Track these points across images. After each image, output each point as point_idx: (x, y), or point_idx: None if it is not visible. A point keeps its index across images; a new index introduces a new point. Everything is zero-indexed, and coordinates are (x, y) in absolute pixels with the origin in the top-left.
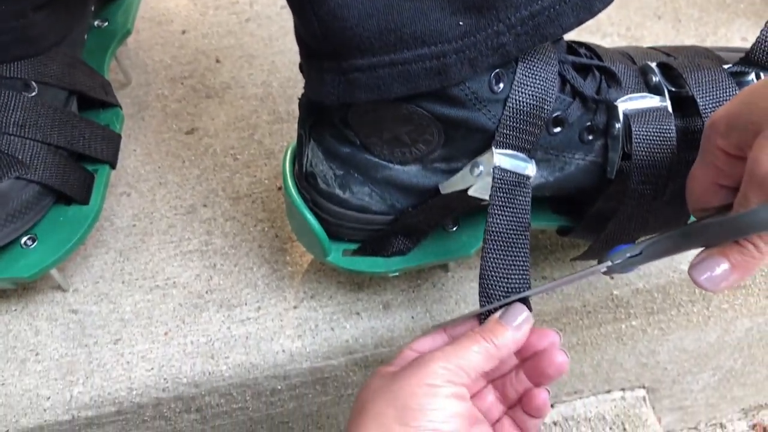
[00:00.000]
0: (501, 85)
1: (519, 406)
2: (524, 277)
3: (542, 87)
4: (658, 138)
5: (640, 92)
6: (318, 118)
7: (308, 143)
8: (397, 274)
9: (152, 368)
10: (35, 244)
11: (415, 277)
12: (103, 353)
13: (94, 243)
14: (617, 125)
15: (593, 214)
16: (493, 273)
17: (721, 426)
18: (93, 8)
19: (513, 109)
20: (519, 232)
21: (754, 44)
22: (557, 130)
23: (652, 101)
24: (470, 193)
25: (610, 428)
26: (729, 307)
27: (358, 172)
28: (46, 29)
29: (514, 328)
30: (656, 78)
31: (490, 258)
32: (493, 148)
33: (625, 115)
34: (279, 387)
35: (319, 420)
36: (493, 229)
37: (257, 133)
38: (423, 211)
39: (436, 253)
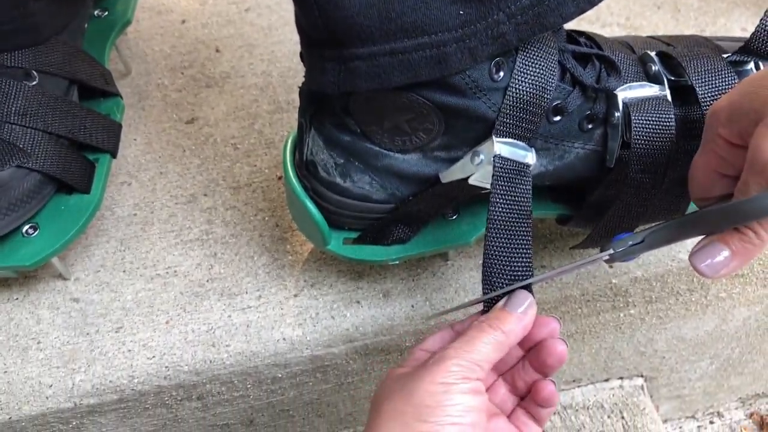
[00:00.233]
0: (501, 74)
1: (529, 396)
2: (527, 264)
3: (542, 76)
4: (657, 127)
5: (639, 81)
6: (319, 106)
7: (309, 132)
8: (397, 262)
9: (153, 356)
10: (37, 232)
11: (415, 265)
12: (105, 341)
13: (95, 232)
14: (617, 114)
15: (592, 202)
16: (495, 261)
17: (719, 414)
18: None
19: (513, 97)
20: (521, 220)
21: (753, 33)
22: (557, 118)
23: (651, 90)
24: (471, 181)
25: (608, 416)
26: (727, 296)
27: (358, 161)
28: (47, 18)
29: (519, 314)
30: (656, 67)
31: (492, 246)
32: (494, 136)
33: (625, 104)
34: (280, 375)
35: (320, 408)
36: (495, 217)
37: (257, 122)
38: (423, 199)
39: (436, 241)
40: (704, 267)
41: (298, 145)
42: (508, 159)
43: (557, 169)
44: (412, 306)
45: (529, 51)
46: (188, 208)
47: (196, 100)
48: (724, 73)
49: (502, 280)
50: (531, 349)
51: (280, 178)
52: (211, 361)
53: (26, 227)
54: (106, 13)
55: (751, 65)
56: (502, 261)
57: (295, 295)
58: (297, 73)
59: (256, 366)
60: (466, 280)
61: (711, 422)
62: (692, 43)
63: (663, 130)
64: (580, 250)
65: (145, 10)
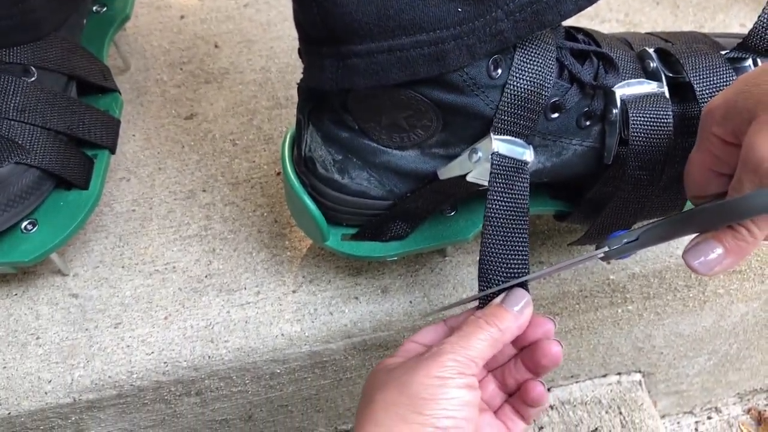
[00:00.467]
0: (499, 71)
1: (518, 394)
2: (524, 261)
3: (540, 73)
4: (655, 124)
5: (637, 78)
6: (317, 103)
7: (307, 128)
8: (395, 258)
9: (152, 352)
10: (35, 228)
11: (413, 262)
12: (104, 337)
13: (93, 228)
14: (614, 111)
15: (590, 199)
16: (492, 258)
17: (716, 410)
18: None
19: (511, 95)
20: (518, 218)
21: (751, 30)
22: (555, 115)
23: (649, 87)
24: (469, 178)
25: (606, 412)
26: (725, 292)
27: (356, 157)
28: (46, 14)
29: (516, 313)
30: (654, 64)
31: (489, 243)
32: (492, 134)
33: (623, 101)
34: (278, 371)
35: (318, 403)
36: (493, 214)
37: (256, 118)
38: (421, 196)
39: (434, 237)
40: (697, 264)
41: (297, 141)
42: (506, 156)
43: (555, 165)
44: (410, 302)
45: (527, 48)
46: (187, 204)
47: (194, 96)
48: (722, 70)
49: (499, 277)
50: (524, 349)
51: (278, 174)
52: (209, 357)
53: (25, 223)
54: (105, 8)
55: (749, 62)
56: (498, 258)
57: (294, 291)
58: (296, 69)
59: (255, 362)
60: (464, 276)
61: (709, 418)
62: (690, 40)
63: (661, 127)
64: (577, 246)
65: (143, 6)
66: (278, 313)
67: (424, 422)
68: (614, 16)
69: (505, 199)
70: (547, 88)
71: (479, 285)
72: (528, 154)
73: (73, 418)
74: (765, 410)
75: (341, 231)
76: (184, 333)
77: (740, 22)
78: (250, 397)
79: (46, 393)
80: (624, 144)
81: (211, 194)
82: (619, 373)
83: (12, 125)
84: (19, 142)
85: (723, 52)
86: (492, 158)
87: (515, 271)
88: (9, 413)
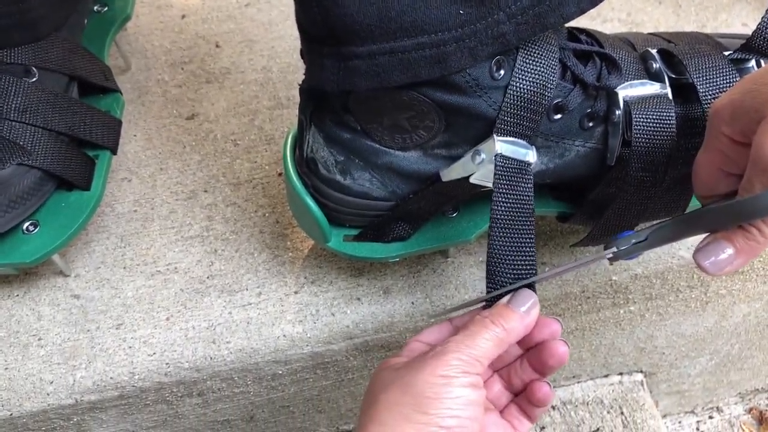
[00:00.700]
0: (502, 72)
1: (524, 394)
2: (531, 262)
3: (543, 74)
4: (658, 125)
5: (640, 79)
6: (319, 104)
7: (309, 129)
8: (397, 260)
9: (154, 353)
10: (37, 230)
11: (415, 262)
12: (106, 338)
13: (95, 228)
14: (617, 112)
15: (593, 200)
16: (500, 260)
17: (718, 410)
18: None
19: (514, 96)
20: (524, 219)
21: (754, 31)
22: (557, 116)
23: (652, 88)
24: (472, 180)
25: (608, 412)
26: (727, 293)
27: (358, 158)
28: (46, 14)
29: (522, 313)
30: (657, 65)
31: (496, 245)
32: (495, 135)
33: (626, 102)
34: (280, 371)
35: (320, 404)
36: (498, 216)
37: (257, 118)
38: (423, 197)
39: (436, 238)
40: (708, 264)
41: (299, 142)
42: (510, 158)
43: (558, 167)
44: (412, 303)
45: (530, 49)
46: (188, 205)
47: (196, 96)
48: (726, 71)
49: (506, 279)
50: (530, 349)
51: (280, 174)
52: (211, 358)
53: (26, 224)
54: (106, 8)
55: (752, 63)
56: (505, 259)
57: (296, 292)
58: (297, 69)
59: (257, 363)
60: (466, 276)
61: (710, 417)
62: (693, 41)
63: (664, 128)
64: (580, 248)
65: (144, 5)
66: (280, 314)
67: (429, 422)
68: (616, 15)
69: (510, 200)
70: (550, 89)
71: (487, 286)
72: (531, 155)
73: (75, 419)
74: (766, 410)
75: (343, 232)
76: (186, 334)
77: (742, 22)
78: (252, 398)
79: (48, 394)
80: (627, 145)
81: (213, 195)
82: (620, 374)
83: (13, 126)
84: (21, 143)
85: (726, 53)
86: (495, 160)
87: (523, 272)
88: (11, 414)
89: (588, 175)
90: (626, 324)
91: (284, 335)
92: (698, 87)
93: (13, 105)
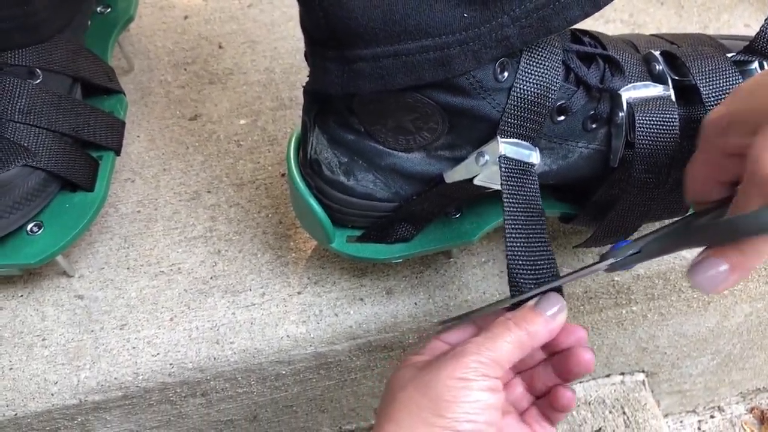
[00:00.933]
0: (505, 74)
1: (546, 398)
2: (550, 261)
3: (547, 76)
4: (661, 127)
5: (643, 81)
6: (323, 105)
7: (313, 130)
8: (400, 260)
9: (158, 353)
10: (41, 231)
11: (418, 263)
12: (110, 338)
13: (99, 229)
14: (621, 114)
15: (596, 201)
16: (519, 262)
17: (719, 409)
18: None
19: (517, 98)
20: (535, 219)
21: (758, 33)
22: (561, 118)
23: (655, 90)
24: (476, 182)
25: (610, 412)
26: (729, 293)
27: (362, 160)
28: (50, 16)
29: (548, 317)
30: (660, 66)
31: (515, 248)
32: (498, 137)
33: (629, 104)
34: (283, 372)
35: (323, 403)
36: (512, 218)
37: (260, 119)
38: (427, 198)
39: (439, 239)
40: (703, 281)
41: (302, 143)
42: (514, 159)
43: (561, 168)
44: (415, 303)
45: (534, 51)
46: (192, 205)
47: (199, 97)
48: (729, 73)
49: (528, 280)
50: (555, 354)
51: (283, 175)
52: (215, 358)
53: (30, 225)
54: (109, 9)
55: (755, 65)
56: (525, 262)
57: (299, 293)
58: (300, 70)
59: (260, 363)
60: (469, 277)
61: (712, 417)
62: (696, 42)
63: (667, 130)
64: (583, 249)
65: (147, 6)
66: (283, 314)
67: (445, 425)
68: (618, 16)
69: (520, 202)
70: (554, 91)
71: (510, 291)
72: (534, 157)
73: (79, 419)
74: None
75: (346, 233)
76: (190, 334)
77: (745, 23)
78: (256, 398)
79: (52, 394)
80: (630, 147)
81: (216, 195)
82: (622, 373)
83: (17, 128)
84: (25, 144)
85: (729, 55)
86: (500, 161)
87: (544, 271)
88: (15, 414)
89: (591, 176)
90: (628, 324)
91: (287, 336)
92: (701, 89)
93: (18, 107)
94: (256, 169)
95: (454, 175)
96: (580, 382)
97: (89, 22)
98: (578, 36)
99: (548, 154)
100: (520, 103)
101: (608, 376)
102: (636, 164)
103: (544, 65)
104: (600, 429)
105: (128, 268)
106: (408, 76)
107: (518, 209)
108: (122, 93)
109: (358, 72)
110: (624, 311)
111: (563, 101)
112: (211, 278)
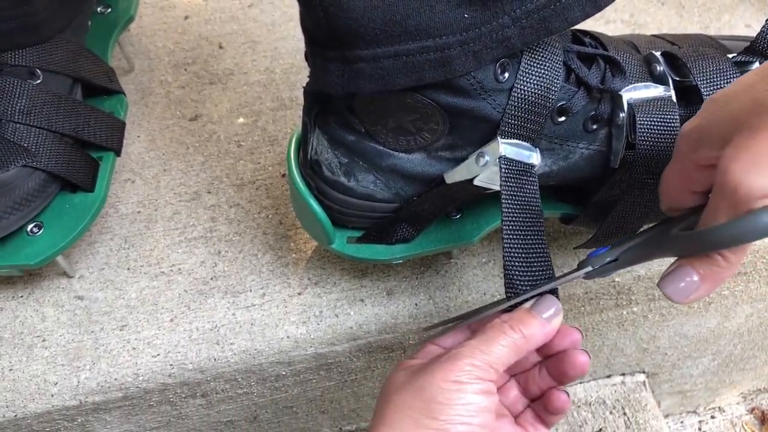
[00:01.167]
0: (506, 75)
1: (541, 401)
2: (546, 264)
3: (547, 76)
4: (662, 128)
5: (644, 82)
6: (323, 106)
7: (313, 131)
8: (400, 261)
9: (158, 354)
10: (41, 231)
11: (418, 264)
12: (110, 339)
13: (99, 229)
14: (621, 115)
15: (596, 202)
16: (516, 263)
17: (720, 409)
18: None
19: (518, 98)
20: (533, 220)
21: (758, 34)
22: (562, 119)
23: (656, 91)
24: (476, 182)
25: (611, 412)
26: (729, 294)
27: (363, 160)
28: (50, 16)
29: (544, 320)
30: (660, 67)
31: (511, 249)
32: (498, 137)
33: (630, 105)
34: (283, 372)
35: (323, 404)
36: (510, 219)
37: (261, 119)
38: (427, 199)
39: (439, 240)
40: (673, 291)
41: (303, 144)
42: (514, 160)
43: (562, 169)
44: (416, 304)
45: (535, 52)
46: (192, 206)
47: (199, 97)
48: (729, 74)
49: (524, 282)
50: (550, 357)
51: (283, 175)
52: (215, 359)
53: (31, 226)
54: (109, 9)
55: (756, 66)
56: (522, 263)
57: (299, 293)
58: (300, 70)
59: (260, 364)
60: (469, 278)
61: (712, 417)
62: (697, 43)
63: (668, 131)
64: (584, 249)
65: (147, 6)
66: (284, 315)
67: (439, 427)
68: (619, 16)
69: (519, 202)
70: (554, 91)
71: (506, 292)
72: (535, 158)
73: (79, 420)
74: None
75: (347, 233)
76: (190, 335)
77: (745, 23)
78: (256, 399)
79: (52, 395)
80: (631, 148)
81: (216, 196)
82: (623, 374)
83: (18, 128)
84: (25, 145)
85: (730, 56)
86: (500, 162)
87: (539, 274)
88: (15, 415)
89: (592, 177)
90: (629, 325)
91: (288, 336)
92: (702, 90)
93: (18, 107)
94: (256, 169)
95: (455, 175)
96: (581, 383)
97: (90, 23)
98: (579, 36)
99: (549, 155)
100: (521, 103)
101: (609, 376)
102: (637, 165)
103: (546, 66)
104: (600, 430)
105: (128, 269)
106: (408, 77)
107: (517, 210)
108: (122, 93)
109: (358, 72)
110: (625, 312)
111: (564, 102)
112: (212, 279)
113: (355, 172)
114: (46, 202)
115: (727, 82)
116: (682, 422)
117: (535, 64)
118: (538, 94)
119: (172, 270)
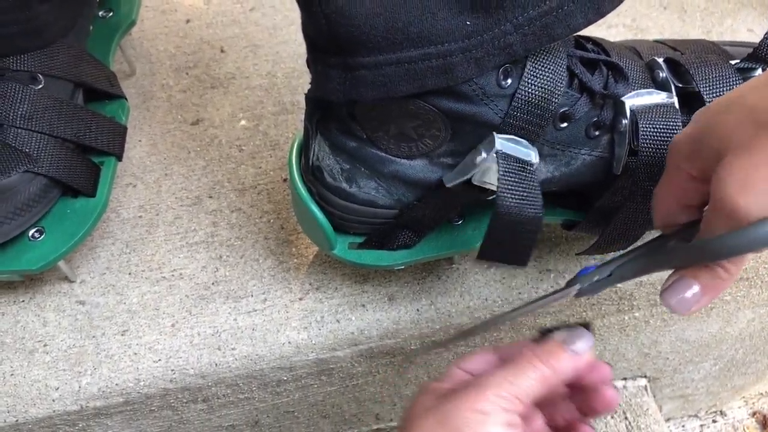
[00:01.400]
0: (509, 81)
1: None
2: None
3: (551, 82)
4: (665, 134)
5: (647, 88)
6: (325, 112)
7: (315, 137)
8: (402, 267)
9: (159, 359)
10: (42, 236)
11: (420, 269)
12: (111, 344)
13: (100, 234)
14: (624, 121)
15: (599, 209)
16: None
17: (722, 413)
18: None
19: (520, 101)
20: (531, 220)
21: (762, 41)
22: (564, 125)
23: (659, 97)
24: (474, 181)
25: (612, 417)
26: (731, 299)
27: (364, 167)
28: (52, 21)
29: (575, 354)
30: (663, 74)
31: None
32: (495, 134)
33: (632, 111)
34: (285, 378)
35: (324, 409)
36: (503, 212)
37: (262, 124)
38: (429, 205)
39: (441, 246)
40: (675, 303)
41: (304, 150)
42: (511, 156)
43: (564, 175)
44: (417, 310)
45: (539, 57)
46: (193, 211)
47: (200, 101)
48: (732, 81)
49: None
50: (578, 390)
51: (285, 180)
52: (216, 365)
53: (32, 231)
54: (111, 13)
55: (759, 72)
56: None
57: (301, 299)
58: (301, 74)
59: (262, 369)
60: (471, 283)
61: (714, 421)
62: (700, 49)
63: (671, 137)
64: (585, 256)
65: (149, 10)
66: (285, 320)
67: None
68: (621, 21)
69: (516, 197)
70: (557, 96)
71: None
72: (533, 156)
73: (81, 425)
74: None
75: (348, 239)
76: (191, 340)
77: (748, 27)
78: (257, 404)
79: (53, 400)
80: (633, 154)
81: (218, 200)
82: (624, 378)
83: (19, 133)
84: (27, 150)
85: (733, 62)
86: (497, 157)
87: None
88: (17, 420)
89: (594, 183)
90: (631, 330)
91: (289, 342)
92: (705, 96)
93: (19, 112)
94: (257, 174)
95: (453, 177)
96: None
97: (91, 27)
98: (581, 42)
99: (551, 161)
100: (523, 105)
101: None
102: (639, 172)
103: (549, 70)
104: None
105: (130, 274)
106: (410, 84)
107: (514, 204)
108: (124, 98)
109: (360, 79)
110: (627, 317)
111: (566, 108)
112: (213, 284)
113: (357, 179)
114: (47, 207)
115: (729, 89)
116: (683, 426)
117: (539, 70)
118: (541, 98)
119: (173, 275)
